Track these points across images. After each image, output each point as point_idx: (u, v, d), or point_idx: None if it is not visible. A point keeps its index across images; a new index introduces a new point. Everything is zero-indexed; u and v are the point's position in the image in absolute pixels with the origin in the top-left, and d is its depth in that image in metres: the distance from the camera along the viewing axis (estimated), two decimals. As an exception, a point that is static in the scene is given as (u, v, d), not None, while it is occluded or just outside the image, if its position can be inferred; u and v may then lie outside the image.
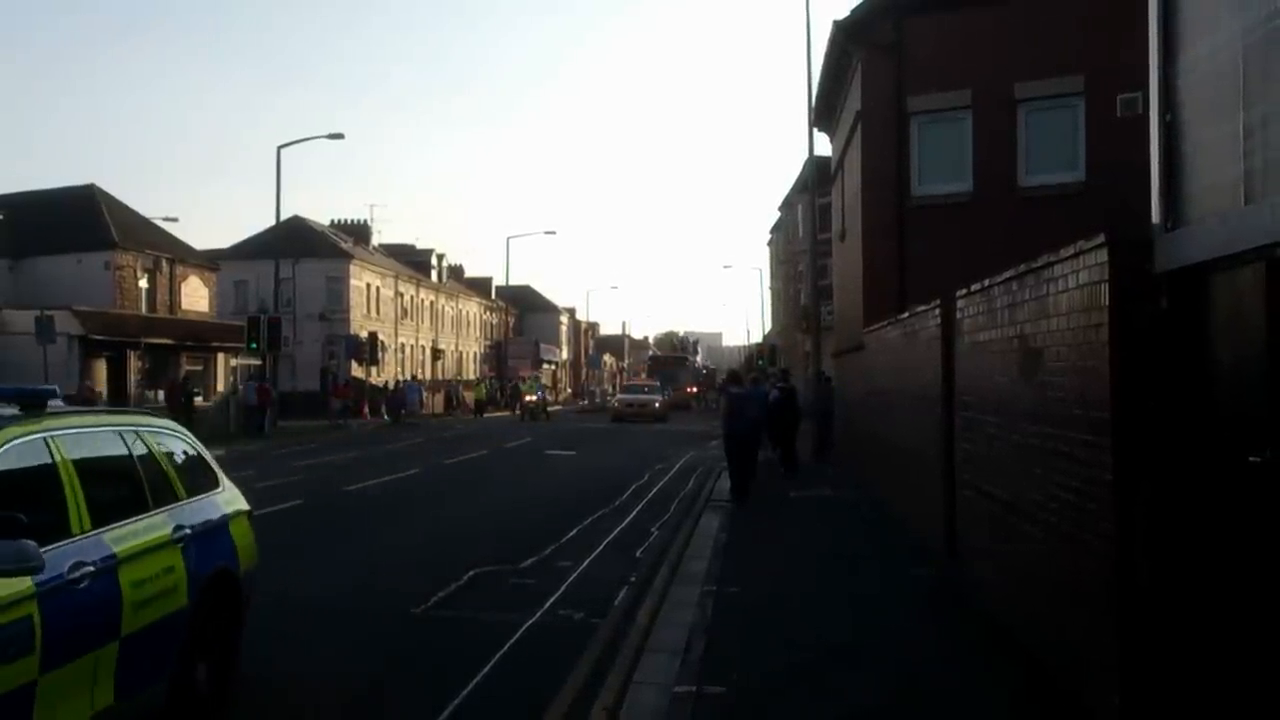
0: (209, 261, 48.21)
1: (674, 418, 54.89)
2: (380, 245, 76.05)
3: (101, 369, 35.19)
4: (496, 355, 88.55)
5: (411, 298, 74.53)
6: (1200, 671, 5.79)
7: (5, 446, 5.32)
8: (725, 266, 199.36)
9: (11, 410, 5.74)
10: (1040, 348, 7.55)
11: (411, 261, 78.73)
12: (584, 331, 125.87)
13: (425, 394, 60.29)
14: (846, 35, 20.59)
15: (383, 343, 58.18)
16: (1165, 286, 6.11)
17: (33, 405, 5.92)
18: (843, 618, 9.71)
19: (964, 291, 10.19)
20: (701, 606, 10.02)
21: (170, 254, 43.34)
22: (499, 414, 63.45)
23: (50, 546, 5.24)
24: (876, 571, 11.90)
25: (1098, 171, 17.29)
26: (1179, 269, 5.98)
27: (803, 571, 12.00)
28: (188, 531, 6.83)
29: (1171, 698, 5.90)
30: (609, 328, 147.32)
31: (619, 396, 60.71)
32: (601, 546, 14.02)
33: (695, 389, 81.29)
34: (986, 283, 9.18)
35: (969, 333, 10.07)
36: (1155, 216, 6.31)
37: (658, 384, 65.45)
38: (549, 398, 69.83)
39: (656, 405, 54.22)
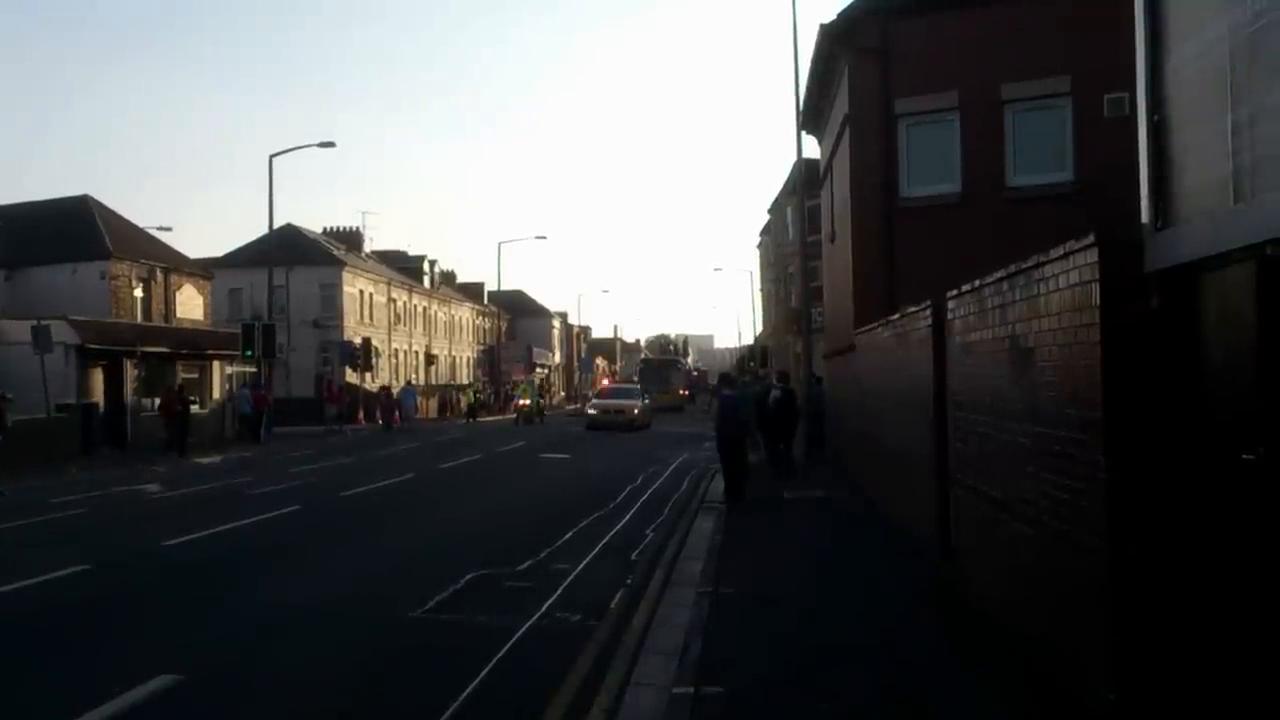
0: (203, 270, 48.19)
1: (666, 420, 54.19)
2: (372, 252, 76.17)
3: (98, 378, 35.09)
4: (489, 360, 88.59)
5: (404, 304, 74.61)
6: (1194, 668, 5.81)
7: None
8: (715, 269, 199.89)
9: None
10: (1032, 347, 7.57)
11: (404, 268, 78.97)
12: (576, 335, 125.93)
13: (419, 399, 60.25)
14: (833, 39, 20.65)
15: (376, 349, 58.12)
16: (1156, 285, 6.12)
17: None
18: (838, 617, 9.75)
19: (955, 292, 10.20)
20: (698, 608, 10.06)
21: (165, 263, 43.36)
22: (492, 418, 63.39)
23: None
24: (871, 571, 11.94)
25: (1086, 171, 17.37)
26: (1169, 268, 6.00)
27: (798, 572, 12.04)
28: None
29: (1166, 694, 5.93)
30: (600, 331, 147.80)
31: (593, 401, 52.95)
32: (597, 549, 14.04)
33: (685, 391, 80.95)
34: (977, 283, 9.19)
35: (960, 333, 10.09)
36: (1145, 216, 6.34)
37: (638, 387, 60.17)
38: (542, 401, 69.55)
39: (636, 411, 47.70)
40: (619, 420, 46.04)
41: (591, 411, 49.16)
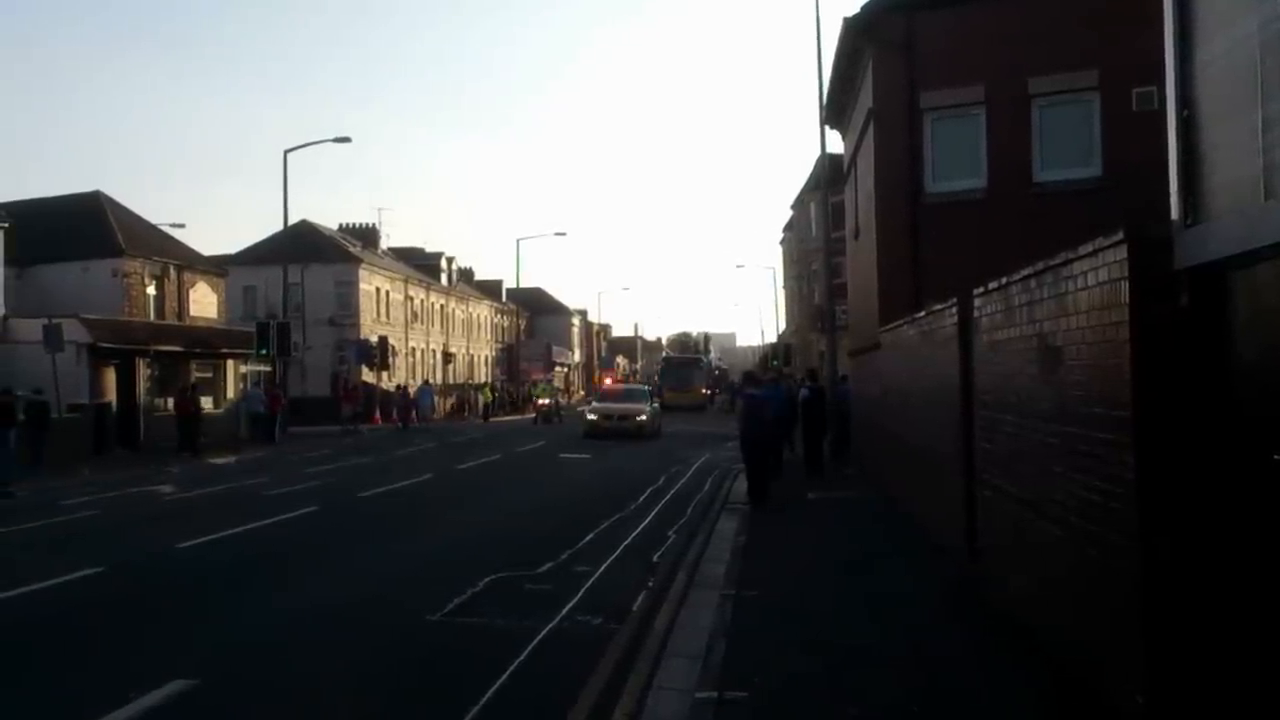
0: (217, 267, 48.00)
1: (688, 420, 53.85)
2: (389, 249, 76.07)
3: (110, 377, 35.08)
4: (508, 358, 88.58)
5: (421, 301, 74.58)
6: (1226, 671, 5.74)
7: None
8: (738, 266, 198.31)
9: None
10: (1060, 346, 7.49)
11: (421, 265, 78.85)
12: (596, 333, 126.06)
13: (437, 398, 60.16)
14: (857, 32, 20.50)
15: (393, 347, 58.01)
16: (1185, 283, 6.05)
17: None
18: (864, 620, 9.67)
19: (981, 290, 10.12)
20: (721, 610, 9.98)
21: (178, 260, 43.17)
22: (509, 418, 63.30)
23: None
24: (896, 572, 11.86)
25: (1114, 167, 17.20)
26: (1199, 265, 5.92)
27: (822, 573, 11.96)
28: None
29: (1197, 697, 5.85)
30: (621, 329, 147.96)
31: (593, 405, 44.75)
32: (619, 551, 13.97)
33: (707, 390, 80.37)
34: (1004, 281, 9.11)
35: (987, 331, 10.01)
36: (1174, 213, 6.25)
37: (645, 388, 54.09)
38: (562, 400, 69.24)
39: (644, 417, 40.99)
40: (623, 427, 39.89)
41: (591, 417, 42.04)
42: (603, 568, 12.74)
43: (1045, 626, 8.18)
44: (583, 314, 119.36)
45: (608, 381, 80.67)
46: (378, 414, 53.04)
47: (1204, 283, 5.95)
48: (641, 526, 16.22)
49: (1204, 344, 5.96)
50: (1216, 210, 5.90)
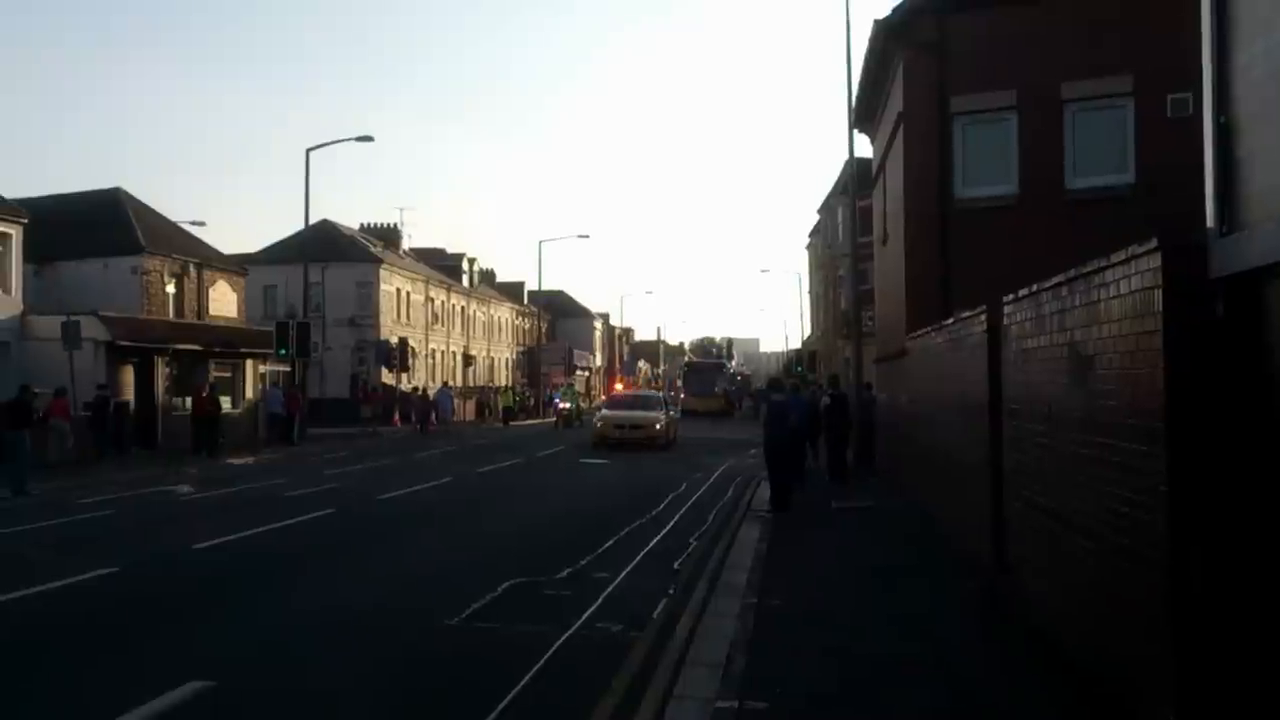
0: (237, 266, 47.43)
1: (710, 426, 53.58)
2: (410, 249, 75.71)
3: (129, 376, 34.99)
4: (529, 361, 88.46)
5: (442, 303, 74.38)
6: (1259, 688, 5.64)
7: None
8: (763, 271, 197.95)
9: None
10: (1091, 355, 7.39)
11: (442, 266, 78.62)
12: (618, 337, 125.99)
13: (457, 401, 60.03)
14: (888, 35, 20.37)
15: (413, 349, 57.81)
16: (1221, 292, 5.98)
17: None
18: (888, 631, 9.55)
19: (1011, 297, 10.02)
20: (742, 619, 9.87)
21: (198, 258, 42.80)
22: (530, 422, 63.13)
23: None
24: (922, 584, 11.73)
25: (1148, 173, 17.01)
26: (1235, 274, 5.83)
27: (846, 584, 11.84)
28: None
29: (1229, 715, 5.76)
30: (644, 333, 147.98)
31: (603, 413, 41.07)
32: (639, 557, 13.86)
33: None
34: (1035, 288, 9.01)
35: (1017, 339, 9.91)
36: (1209, 220, 6.18)
37: (659, 394, 50.63)
38: (582, 405, 68.89)
39: (659, 425, 37.70)
40: (635, 437, 36.71)
41: (599, 424, 38.93)
42: (623, 574, 12.63)
43: (1075, 641, 8.06)
44: (605, 317, 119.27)
45: (618, 386, 79.43)
46: (397, 416, 52.90)
47: (1240, 291, 5.88)
48: (662, 533, 16.11)
49: (1240, 354, 5.89)
50: (1253, 218, 5.82)
